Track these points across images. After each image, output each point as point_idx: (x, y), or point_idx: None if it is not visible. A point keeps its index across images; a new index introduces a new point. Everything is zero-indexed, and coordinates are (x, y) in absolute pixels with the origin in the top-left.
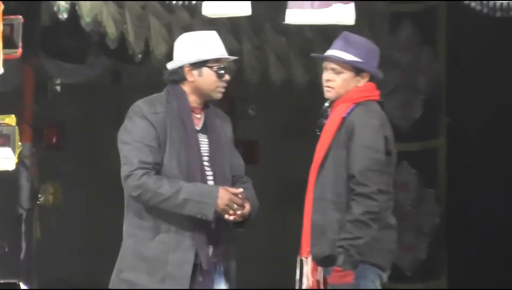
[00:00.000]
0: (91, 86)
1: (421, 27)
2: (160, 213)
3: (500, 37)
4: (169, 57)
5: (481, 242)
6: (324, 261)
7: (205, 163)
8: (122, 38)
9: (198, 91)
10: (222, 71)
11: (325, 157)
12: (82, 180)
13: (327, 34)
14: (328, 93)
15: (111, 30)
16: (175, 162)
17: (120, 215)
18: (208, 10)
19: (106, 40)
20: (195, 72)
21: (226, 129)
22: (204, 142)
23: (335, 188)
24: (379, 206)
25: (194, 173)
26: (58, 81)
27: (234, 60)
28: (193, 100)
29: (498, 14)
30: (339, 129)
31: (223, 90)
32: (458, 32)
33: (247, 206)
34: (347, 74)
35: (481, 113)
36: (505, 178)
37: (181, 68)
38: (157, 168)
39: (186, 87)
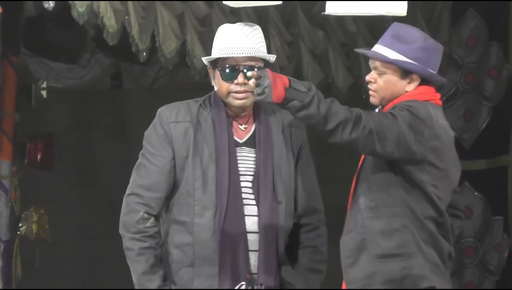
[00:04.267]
0: (85, 90)
1: (489, 18)
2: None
3: None
4: (181, 54)
5: None
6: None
7: (247, 184)
8: (124, 33)
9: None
10: (230, 72)
11: (363, 167)
12: (74, 206)
13: (374, 27)
14: (372, 98)
15: (111, 22)
16: (200, 182)
17: (122, 249)
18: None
19: (104, 35)
20: (213, 74)
21: (289, 142)
22: (249, 158)
23: (370, 192)
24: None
25: (222, 196)
26: (45, 85)
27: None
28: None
29: None
30: None
31: (241, 96)
32: None
33: None
34: (390, 76)
35: None
36: None
37: None
38: (156, 196)
39: None
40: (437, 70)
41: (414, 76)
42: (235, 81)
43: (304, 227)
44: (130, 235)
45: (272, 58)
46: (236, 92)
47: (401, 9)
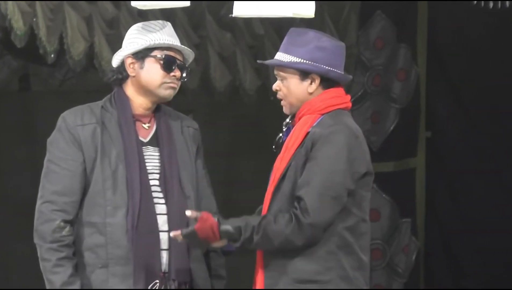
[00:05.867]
0: None
1: (398, 20)
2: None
3: (495, 35)
4: (89, 57)
5: (467, 283)
6: None
7: (155, 182)
8: (31, 34)
9: (141, 89)
10: (170, 62)
11: (282, 179)
12: None
13: (282, 30)
14: (284, 108)
15: (18, 24)
16: (110, 182)
17: (34, 251)
18: (138, 0)
19: (12, 37)
20: (137, 65)
21: (189, 141)
22: (154, 157)
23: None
24: (309, 241)
25: (134, 195)
26: None
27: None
28: (139, 104)
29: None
30: (301, 145)
31: (173, 87)
32: (442, 27)
33: None
34: (290, 80)
35: (468, 126)
36: (496, 206)
37: (123, 63)
38: (71, 200)
39: (129, 88)
40: (342, 68)
41: (314, 76)
42: (172, 74)
43: None
44: (47, 245)
45: (191, 59)
46: (172, 83)
47: (309, 10)
